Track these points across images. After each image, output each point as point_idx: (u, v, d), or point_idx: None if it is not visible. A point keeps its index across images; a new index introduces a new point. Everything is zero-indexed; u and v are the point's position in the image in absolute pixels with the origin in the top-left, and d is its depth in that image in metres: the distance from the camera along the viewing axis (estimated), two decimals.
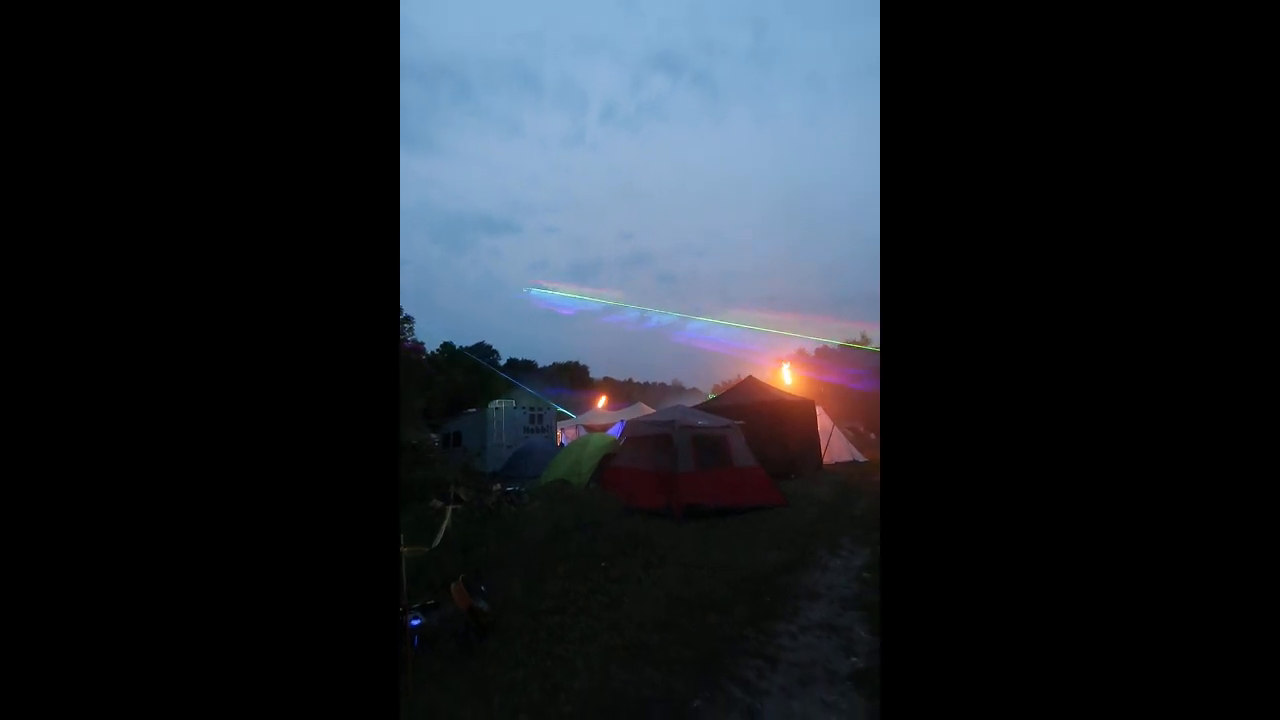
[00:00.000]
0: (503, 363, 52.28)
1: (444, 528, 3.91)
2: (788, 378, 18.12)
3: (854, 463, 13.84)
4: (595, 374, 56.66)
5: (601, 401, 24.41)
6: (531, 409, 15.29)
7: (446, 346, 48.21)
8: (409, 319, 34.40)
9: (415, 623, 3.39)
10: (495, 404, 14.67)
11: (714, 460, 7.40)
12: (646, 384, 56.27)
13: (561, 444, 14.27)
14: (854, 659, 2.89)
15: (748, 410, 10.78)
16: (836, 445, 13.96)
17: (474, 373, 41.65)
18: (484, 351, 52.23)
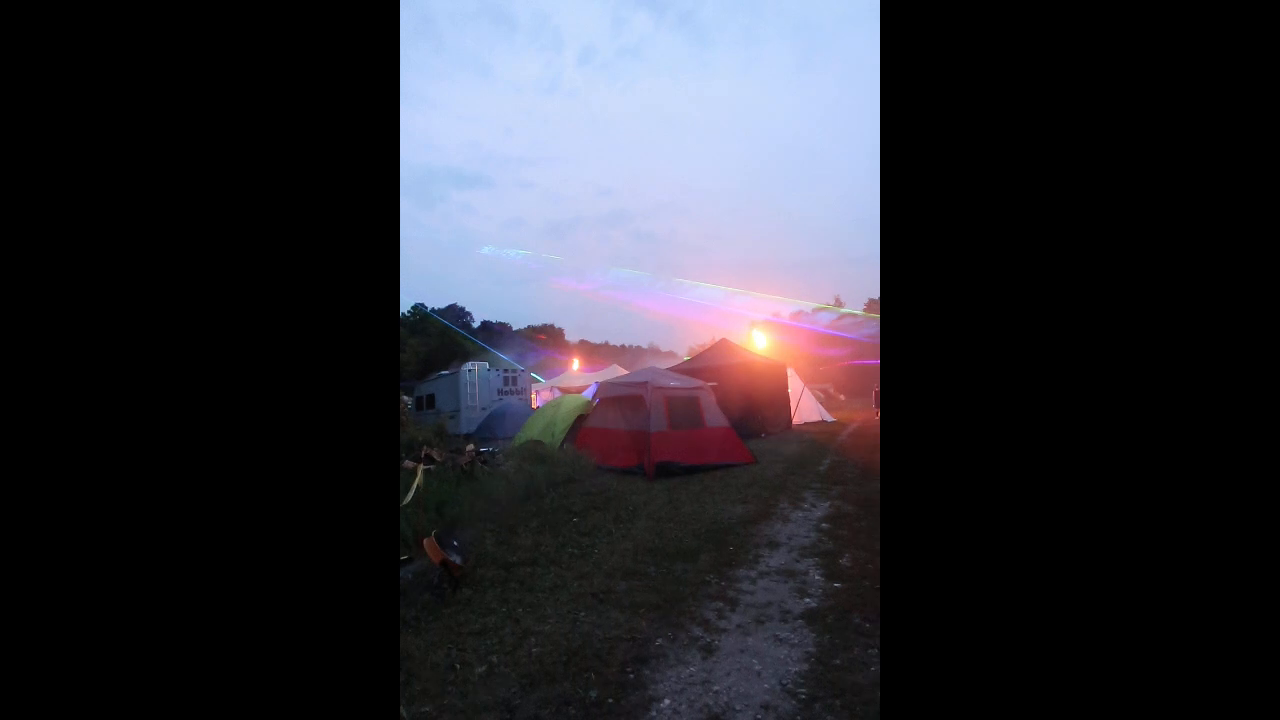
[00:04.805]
0: (476, 325, 51.48)
1: (415, 486, 3.95)
2: (761, 341, 18.38)
3: (823, 423, 14.31)
4: (570, 337, 56.51)
5: (576, 364, 24.40)
6: (506, 371, 15.23)
7: (418, 308, 47.15)
8: None
9: None
10: (469, 366, 14.55)
11: (686, 420, 7.57)
12: (622, 346, 56.39)
13: (536, 406, 14.30)
14: (808, 600, 3.09)
15: (721, 372, 10.96)
16: (806, 406, 14.36)
17: (447, 334, 40.88)
18: (457, 313, 51.25)
